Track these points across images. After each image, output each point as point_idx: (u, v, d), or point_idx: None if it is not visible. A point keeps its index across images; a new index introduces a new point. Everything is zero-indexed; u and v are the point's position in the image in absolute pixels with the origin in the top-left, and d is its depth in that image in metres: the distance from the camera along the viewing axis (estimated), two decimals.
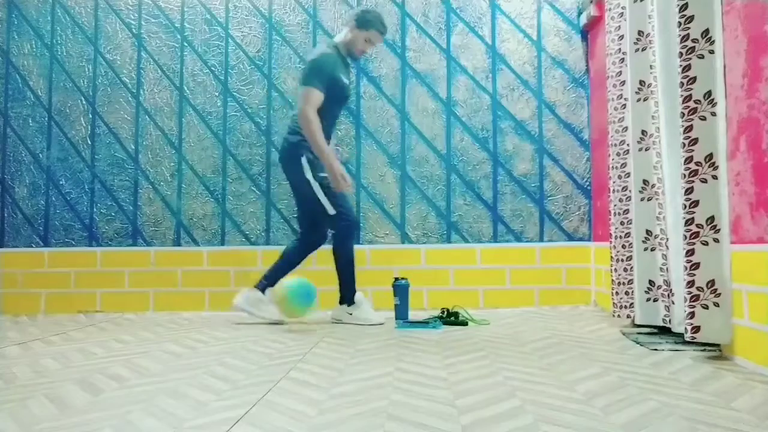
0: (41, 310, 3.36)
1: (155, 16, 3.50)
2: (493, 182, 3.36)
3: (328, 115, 2.72)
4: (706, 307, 1.81)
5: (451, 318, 2.71)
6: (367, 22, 2.78)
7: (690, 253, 1.84)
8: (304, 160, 2.69)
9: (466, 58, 3.41)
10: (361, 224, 3.36)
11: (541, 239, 3.33)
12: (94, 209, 3.45)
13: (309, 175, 2.70)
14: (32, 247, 3.45)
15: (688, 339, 1.84)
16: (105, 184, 3.45)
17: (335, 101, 2.76)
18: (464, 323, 2.66)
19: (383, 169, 3.39)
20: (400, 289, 2.82)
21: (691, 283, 1.84)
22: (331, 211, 2.70)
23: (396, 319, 2.78)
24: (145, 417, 1.31)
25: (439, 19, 3.43)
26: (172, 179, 3.44)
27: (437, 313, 2.81)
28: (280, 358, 1.96)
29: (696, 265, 1.83)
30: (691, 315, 1.83)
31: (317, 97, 2.65)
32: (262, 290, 2.78)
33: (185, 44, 3.48)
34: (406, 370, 1.74)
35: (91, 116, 3.49)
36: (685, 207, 1.86)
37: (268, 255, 3.33)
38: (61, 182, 3.47)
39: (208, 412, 1.34)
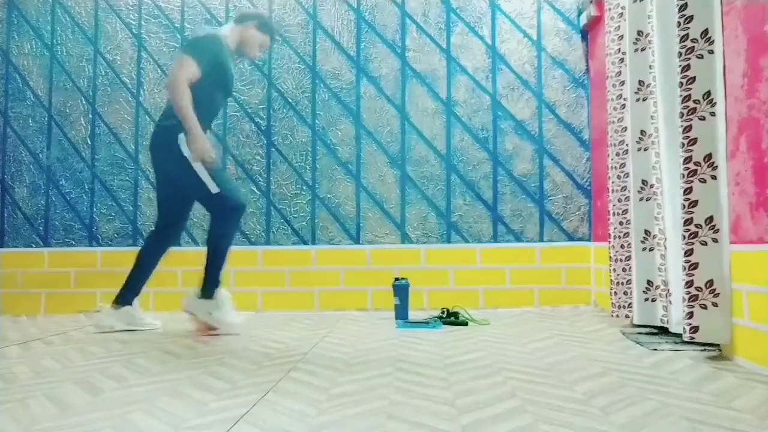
0: (41, 310, 3.36)
1: (155, 16, 3.50)
2: (493, 182, 3.36)
3: (205, 98, 2.50)
4: (704, 307, 1.81)
5: (451, 318, 2.71)
6: (269, 27, 2.73)
7: (689, 253, 1.84)
8: (181, 137, 2.44)
9: (466, 58, 3.41)
10: (361, 224, 3.36)
11: (541, 239, 3.33)
12: (94, 209, 3.45)
13: (187, 153, 2.44)
14: (32, 247, 3.45)
15: (686, 339, 1.84)
16: (105, 184, 3.45)
17: (216, 86, 2.56)
18: (464, 323, 2.66)
19: (383, 169, 3.39)
20: (400, 288, 2.83)
21: (689, 283, 1.84)
22: (215, 189, 2.45)
23: (396, 319, 2.79)
24: (145, 417, 1.31)
25: (439, 19, 3.43)
26: None
27: (437, 313, 2.81)
28: (280, 358, 1.96)
29: (695, 265, 1.83)
30: (690, 315, 1.83)
31: (193, 68, 2.44)
32: (129, 304, 2.64)
33: None
34: (406, 370, 1.74)
35: (91, 116, 3.49)
36: (684, 207, 1.86)
37: (268, 255, 3.34)
38: (61, 182, 3.47)
39: (208, 412, 1.34)
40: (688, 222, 1.85)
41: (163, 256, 2.72)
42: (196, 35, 2.59)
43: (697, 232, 1.84)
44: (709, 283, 1.81)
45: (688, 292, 1.84)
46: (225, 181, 2.58)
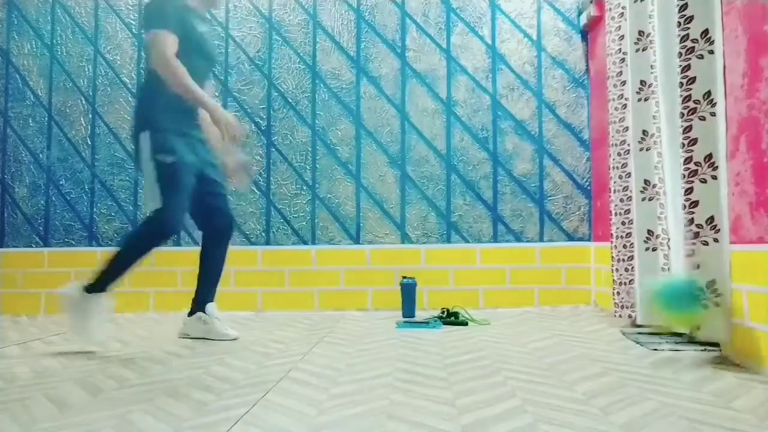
0: (41, 310, 3.36)
1: None
2: (493, 182, 3.36)
3: (186, 67, 2.16)
4: (706, 306, 1.81)
5: (451, 318, 2.71)
6: None
7: (690, 253, 1.84)
8: (143, 137, 2.15)
9: (466, 58, 3.41)
10: (361, 224, 3.36)
11: (541, 239, 3.33)
12: (94, 209, 3.45)
13: (145, 155, 2.14)
14: (32, 247, 3.45)
15: (688, 339, 1.84)
16: (105, 184, 3.45)
17: (190, 51, 2.23)
18: (464, 323, 2.66)
19: (383, 169, 3.39)
20: (407, 288, 2.85)
21: None
22: (156, 203, 2.15)
23: (403, 317, 2.82)
24: (145, 417, 1.31)
25: (439, 19, 3.43)
26: None
27: (437, 313, 2.81)
28: (280, 358, 1.96)
29: (696, 266, 1.83)
30: None
31: (170, 39, 2.14)
32: (201, 311, 2.41)
33: None
34: (406, 370, 1.74)
35: (91, 116, 3.49)
36: (685, 207, 1.86)
37: (268, 255, 3.34)
38: (61, 182, 3.47)
39: (208, 412, 1.34)
40: (689, 222, 1.85)
41: (224, 253, 2.46)
42: (149, 3, 2.25)
43: (698, 232, 1.84)
44: (711, 283, 1.81)
45: None
46: (171, 194, 2.17)
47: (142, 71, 3.48)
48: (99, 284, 2.18)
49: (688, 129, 1.86)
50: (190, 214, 2.37)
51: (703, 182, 1.84)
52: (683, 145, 1.87)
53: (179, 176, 2.17)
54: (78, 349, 2.18)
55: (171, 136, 2.18)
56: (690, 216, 1.85)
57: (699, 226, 1.84)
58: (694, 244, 1.84)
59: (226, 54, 3.46)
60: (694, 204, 1.85)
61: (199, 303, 2.41)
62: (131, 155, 3.44)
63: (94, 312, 2.16)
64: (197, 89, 2.14)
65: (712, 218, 1.82)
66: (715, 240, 1.81)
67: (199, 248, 2.47)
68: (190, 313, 2.42)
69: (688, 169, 1.86)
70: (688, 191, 1.86)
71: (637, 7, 2.42)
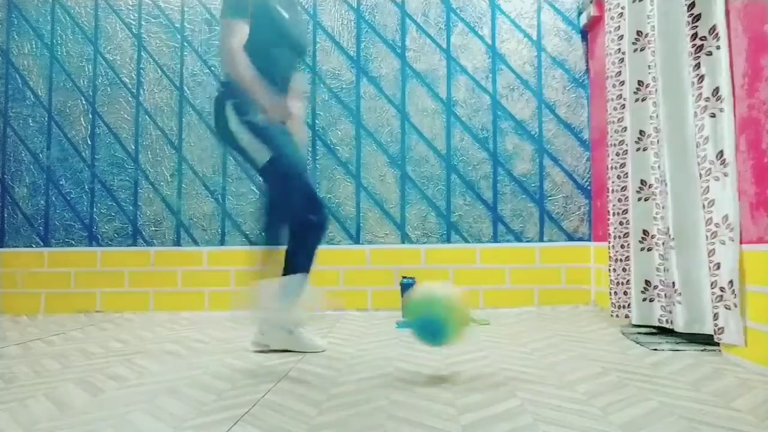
0: (41, 310, 3.36)
1: (155, 16, 3.50)
2: (493, 182, 3.36)
3: (261, 57, 2.09)
4: (728, 308, 1.80)
5: None
6: None
7: (712, 253, 1.84)
8: (228, 106, 2.07)
9: (466, 58, 3.41)
10: (361, 224, 3.36)
11: (541, 239, 3.33)
12: (94, 209, 3.45)
13: (233, 125, 2.06)
14: (32, 247, 3.45)
15: (716, 340, 1.82)
16: (105, 184, 3.45)
17: (272, 41, 2.15)
18: None
19: (383, 169, 3.39)
20: (407, 288, 2.86)
21: (714, 284, 1.83)
22: (264, 157, 2.01)
23: (403, 317, 2.82)
24: (145, 417, 1.31)
25: (439, 19, 3.43)
26: (172, 179, 3.44)
27: None
28: (280, 358, 1.95)
29: (717, 266, 1.83)
30: (716, 316, 1.82)
31: (237, 27, 2.06)
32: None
33: (185, 44, 3.48)
34: (406, 370, 1.74)
35: (91, 116, 3.49)
36: (704, 207, 1.87)
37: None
38: (61, 182, 3.47)
39: (208, 412, 1.34)
40: (708, 222, 1.85)
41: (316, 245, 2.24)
42: None
43: (717, 231, 1.83)
44: (731, 283, 1.79)
45: (714, 293, 1.83)
46: (277, 141, 2.04)
47: (142, 71, 3.48)
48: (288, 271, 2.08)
49: (701, 128, 1.87)
50: None
51: (716, 180, 1.84)
52: (698, 144, 1.88)
53: (272, 129, 2.05)
54: (78, 348, 2.19)
55: (252, 105, 2.05)
56: (709, 215, 1.85)
57: (717, 225, 1.83)
58: (713, 243, 1.84)
59: None
60: (711, 203, 1.85)
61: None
62: (131, 155, 3.45)
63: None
64: (250, 80, 2.02)
65: (726, 217, 1.81)
66: (731, 239, 1.80)
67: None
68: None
69: (704, 168, 1.86)
70: (705, 190, 1.86)
71: (636, 7, 2.42)
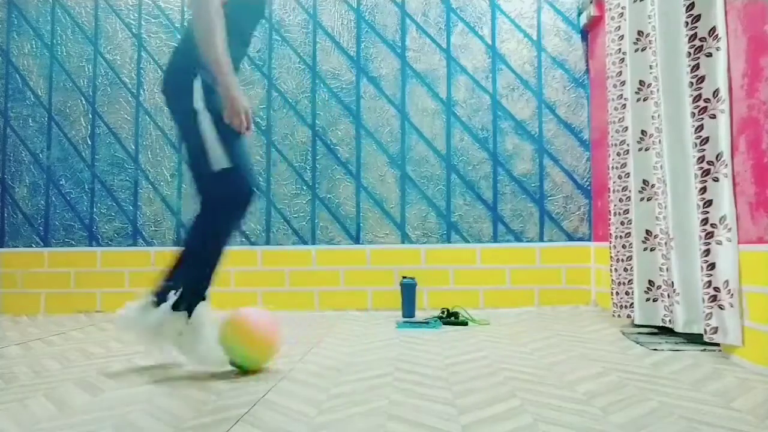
0: (41, 310, 3.36)
1: (155, 16, 3.50)
2: (493, 182, 3.36)
3: (233, 27, 1.81)
4: (722, 307, 1.80)
5: (451, 318, 2.71)
6: None
7: (706, 253, 1.84)
8: (195, 84, 1.77)
9: (466, 58, 3.41)
10: (361, 224, 3.36)
11: (541, 239, 3.33)
12: (94, 209, 3.45)
13: (199, 104, 1.77)
14: (32, 247, 3.45)
15: (707, 340, 1.83)
16: (105, 184, 3.45)
17: (244, 6, 1.89)
18: (464, 323, 2.66)
19: (383, 169, 3.39)
20: (407, 288, 2.85)
21: (708, 284, 1.84)
22: (221, 164, 1.76)
23: (403, 317, 2.82)
24: (145, 417, 1.31)
25: (439, 19, 3.43)
26: (172, 179, 3.44)
27: (437, 313, 2.82)
28: (280, 359, 1.95)
29: (712, 266, 1.83)
30: (710, 315, 1.83)
31: None
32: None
33: None
34: (406, 370, 1.74)
35: (91, 116, 3.49)
36: (699, 207, 1.87)
37: (268, 255, 3.34)
38: (61, 182, 3.47)
39: (208, 412, 1.34)
40: (704, 222, 1.85)
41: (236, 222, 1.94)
42: None
43: (713, 232, 1.83)
44: (726, 283, 1.80)
45: (707, 293, 1.84)
46: (241, 155, 1.82)
47: (142, 71, 3.48)
48: (185, 301, 1.81)
49: (699, 128, 1.87)
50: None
51: (715, 181, 1.84)
52: (695, 144, 1.88)
53: (234, 131, 1.80)
54: (78, 348, 2.18)
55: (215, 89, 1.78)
56: (705, 216, 1.85)
57: (713, 225, 1.83)
58: (708, 243, 1.84)
59: None
60: (708, 203, 1.85)
61: None
62: (131, 155, 3.45)
63: (198, 327, 1.79)
64: (223, 59, 1.73)
65: (724, 217, 1.82)
66: (728, 239, 1.80)
67: None
68: None
69: (702, 168, 1.86)
70: (702, 190, 1.86)
71: (637, 7, 2.42)
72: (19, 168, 3.49)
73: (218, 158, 1.77)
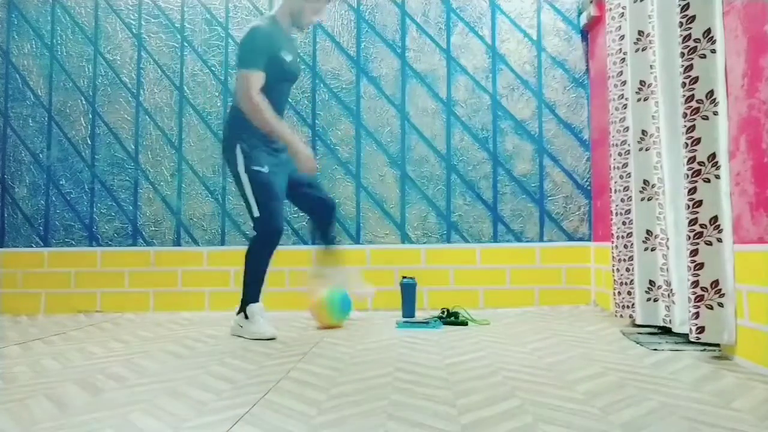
0: (41, 310, 3.36)
1: (155, 16, 3.50)
2: (493, 182, 3.36)
3: (272, 93, 2.44)
4: (710, 307, 1.80)
5: (451, 318, 2.71)
6: None
7: (694, 253, 1.84)
8: (238, 150, 2.43)
9: (466, 58, 3.41)
10: (361, 224, 3.36)
11: (541, 239, 3.33)
12: (94, 209, 3.45)
13: (240, 168, 2.42)
14: (32, 247, 3.45)
15: (692, 339, 1.83)
16: (105, 184, 3.45)
17: (277, 80, 2.48)
18: (464, 323, 2.66)
19: (383, 169, 3.39)
20: (406, 288, 2.85)
21: (695, 284, 1.83)
22: (256, 213, 2.43)
23: (403, 317, 2.82)
24: (145, 417, 1.31)
25: (439, 19, 3.43)
26: (172, 179, 3.44)
27: (437, 313, 2.81)
28: (280, 358, 1.96)
29: (700, 266, 1.83)
30: (696, 315, 1.83)
31: (256, 78, 2.38)
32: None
33: (185, 44, 3.48)
34: (406, 370, 1.74)
35: (91, 116, 3.49)
36: (689, 207, 1.86)
37: None
38: (61, 182, 3.47)
39: (208, 412, 1.34)
40: (692, 222, 1.85)
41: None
42: (246, 36, 2.43)
43: (702, 232, 1.83)
44: (714, 283, 1.80)
45: (694, 293, 1.83)
46: (267, 201, 2.44)
47: (142, 71, 3.48)
48: (243, 299, 2.48)
49: (691, 129, 1.86)
50: (301, 209, 2.84)
51: (706, 182, 1.84)
52: (686, 145, 1.87)
53: (272, 184, 2.44)
54: (78, 348, 2.19)
55: (260, 150, 2.44)
56: (694, 216, 1.85)
57: (702, 226, 1.83)
58: (697, 243, 1.84)
59: (226, 54, 3.46)
60: (698, 204, 1.85)
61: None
62: (131, 155, 3.45)
63: (253, 320, 2.41)
64: (277, 124, 2.42)
65: (715, 218, 1.82)
66: (719, 240, 1.81)
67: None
68: None
69: (692, 169, 1.86)
70: (692, 191, 1.85)
71: (637, 7, 2.42)
72: (19, 168, 3.49)
73: (254, 208, 2.43)
